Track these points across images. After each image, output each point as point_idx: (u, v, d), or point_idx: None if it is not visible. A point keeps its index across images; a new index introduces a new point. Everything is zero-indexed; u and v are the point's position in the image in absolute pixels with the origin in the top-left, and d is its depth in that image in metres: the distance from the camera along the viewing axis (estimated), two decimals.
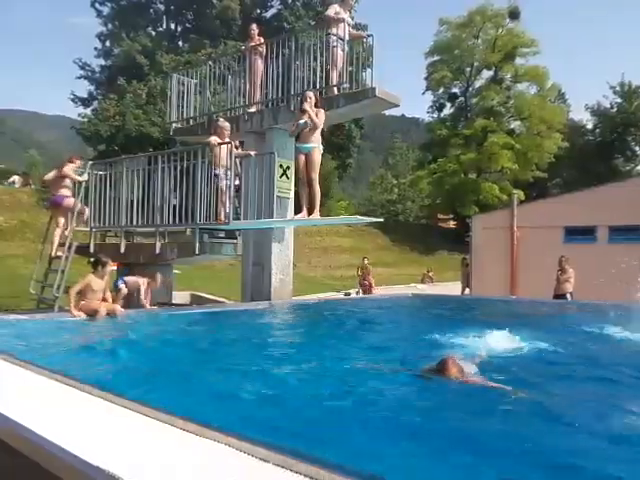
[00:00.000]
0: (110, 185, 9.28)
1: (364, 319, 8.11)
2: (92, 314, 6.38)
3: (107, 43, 40.02)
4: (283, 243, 9.18)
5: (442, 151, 40.51)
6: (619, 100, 43.70)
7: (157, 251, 8.58)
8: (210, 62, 10.60)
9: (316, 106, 7.41)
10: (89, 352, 4.82)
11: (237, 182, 8.31)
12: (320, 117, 7.34)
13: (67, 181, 9.10)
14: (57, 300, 8.01)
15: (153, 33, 40.93)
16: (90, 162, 9.96)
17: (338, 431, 2.77)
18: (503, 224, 15.47)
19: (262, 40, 9.57)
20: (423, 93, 44.71)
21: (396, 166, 54.70)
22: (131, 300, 7.96)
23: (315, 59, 8.72)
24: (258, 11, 41.44)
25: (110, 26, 39.94)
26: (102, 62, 40.04)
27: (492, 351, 5.05)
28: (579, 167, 42.27)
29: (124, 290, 7.86)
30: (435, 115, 45.81)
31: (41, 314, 6.98)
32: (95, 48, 40.18)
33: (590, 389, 4.00)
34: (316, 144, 7.39)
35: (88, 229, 9.48)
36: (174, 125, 10.49)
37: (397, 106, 8.68)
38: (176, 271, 11.17)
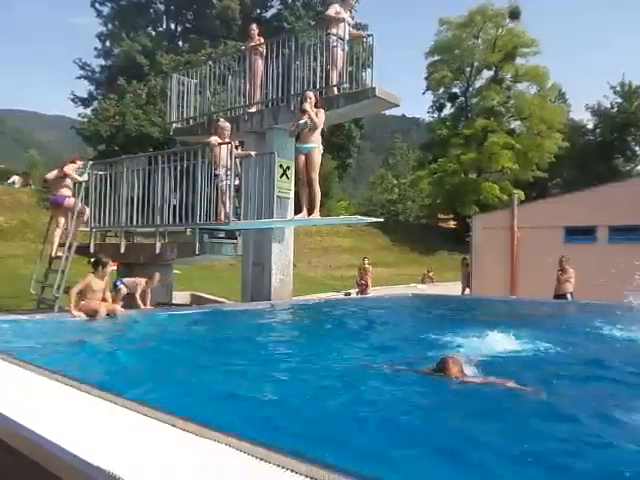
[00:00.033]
0: (110, 185, 9.28)
1: (364, 319, 8.11)
2: (92, 314, 6.39)
3: (107, 43, 40.02)
4: (283, 243, 9.18)
5: (442, 151, 40.50)
6: (619, 100, 43.70)
7: (157, 251, 8.59)
8: (210, 62, 10.60)
9: (316, 106, 7.41)
10: (89, 352, 4.82)
11: (237, 182, 8.31)
12: (320, 117, 7.33)
13: (68, 181, 9.10)
14: (57, 300, 8.01)
15: (153, 33, 40.93)
16: (90, 162, 9.96)
17: (338, 431, 2.77)
18: (503, 224, 15.47)
19: (262, 40, 9.58)
20: (423, 93, 44.75)
21: (396, 166, 54.68)
22: (131, 300, 7.96)
23: (315, 59, 8.72)
24: (258, 11, 41.43)
25: (110, 26, 39.94)
26: (102, 62, 40.10)
27: (492, 351, 5.05)
28: (579, 167, 42.26)
29: (124, 290, 7.87)
30: (435, 115, 45.86)
31: (41, 314, 6.98)
32: (95, 48, 40.24)
33: (591, 389, 4.00)
34: (316, 144, 7.39)
35: (88, 229, 9.49)
36: (174, 125, 10.49)
37: (397, 106, 8.68)
38: (176, 271, 11.18)
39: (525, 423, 3.11)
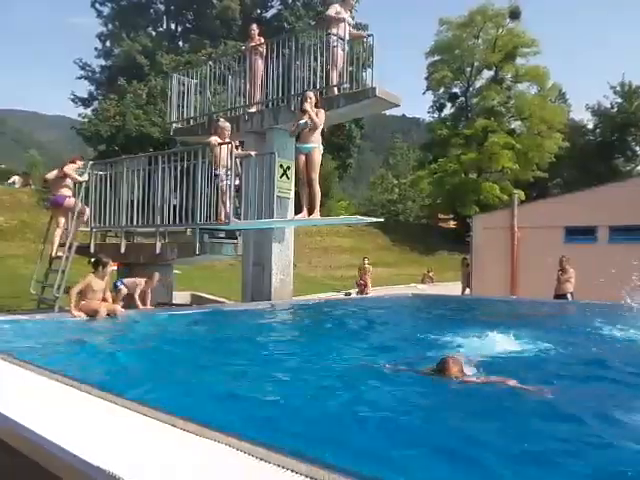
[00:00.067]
0: (110, 185, 9.29)
1: (364, 319, 8.11)
2: (92, 314, 6.39)
3: (107, 43, 40.02)
4: (283, 243, 9.18)
5: (443, 151, 40.49)
6: (619, 100, 43.70)
7: (157, 251, 8.59)
8: (210, 62, 10.60)
9: (316, 106, 7.41)
10: (89, 352, 4.82)
11: (237, 182, 8.31)
12: (320, 117, 7.34)
13: (68, 181, 9.10)
14: (57, 300, 8.01)
15: (153, 33, 40.93)
16: (90, 162, 9.96)
17: (338, 431, 2.77)
18: (503, 224, 15.46)
19: (262, 40, 9.58)
20: (424, 93, 44.75)
21: (397, 166, 54.68)
22: (131, 301, 7.97)
23: (315, 59, 8.73)
24: (258, 11, 41.43)
25: (110, 26, 39.94)
26: (102, 62, 40.10)
27: (492, 351, 5.05)
28: (579, 167, 42.25)
29: (124, 290, 7.87)
30: (436, 115, 45.85)
31: (41, 314, 6.98)
32: (95, 48, 40.24)
33: (591, 389, 4.00)
34: (316, 144, 7.39)
35: (88, 229, 9.49)
36: (174, 125, 10.50)
37: (397, 106, 8.68)
38: (176, 271, 11.18)
39: (525, 423, 3.11)
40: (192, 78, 10.23)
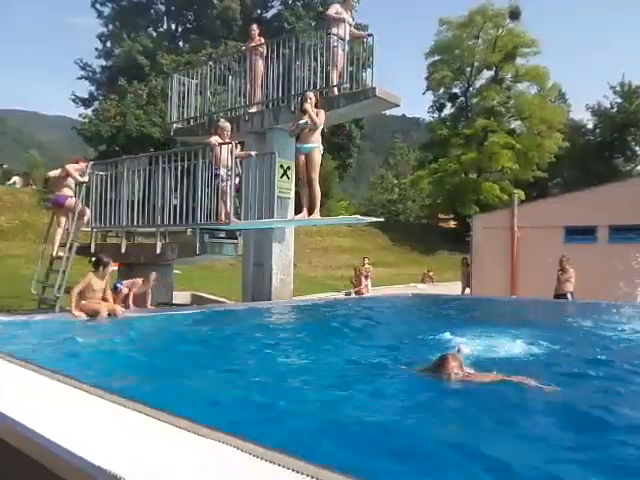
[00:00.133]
0: (111, 185, 9.29)
1: (364, 319, 8.11)
2: (93, 314, 6.40)
3: (108, 44, 40.04)
4: (284, 243, 9.19)
5: (443, 151, 40.48)
6: (619, 100, 43.66)
7: (158, 251, 8.60)
8: (211, 62, 10.62)
9: (316, 106, 7.42)
10: (89, 352, 4.83)
11: (237, 181, 8.32)
12: (320, 117, 7.34)
13: (69, 181, 9.10)
14: (58, 300, 8.02)
15: (154, 33, 40.94)
16: (91, 162, 9.96)
17: (338, 431, 2.78)
18: (503, 224, 15.47)
19: (262, 40, 9.59)
20: (423, 93, 44.72)
21: (396, 166, 54.68)
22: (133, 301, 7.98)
23: (315, 59, 8.74)
24: (259, 11, 41.44)
25: (111, 26, 39.96)
26: (103, 62, 40.14)
27: (492, 351, 5.06)
28: (579, 167, 42.24)
29: (124, 291, 7.88)
30: (436, 115, 45.82)
31: (42, 314, 6.99)
32: (96, 49, 40.27)
33: (591, 387, 4.00)
34: (316, 144, 7.40)
35: (89, 229, 9.50)
36: (175, 125, 10.51)
37: (397, 106, 8.69)
38: (177, 271, 11.19)
39: (525, 421, 3.11)
40: (192, 78, 10.24)
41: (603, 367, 4.47)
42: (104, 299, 6.68)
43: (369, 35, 8.55)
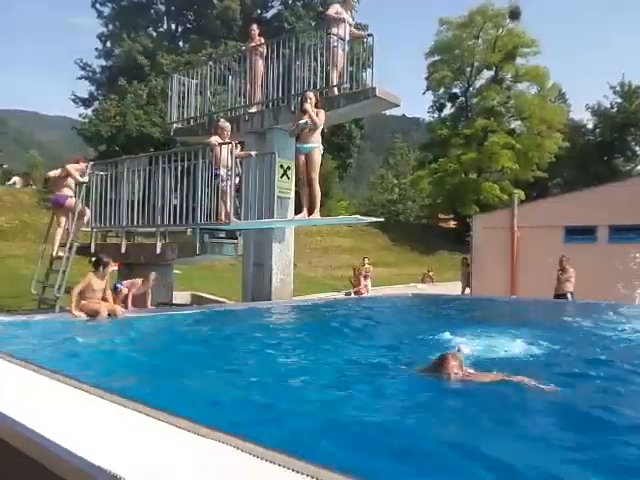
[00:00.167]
0: (111, 185, 9.29)
1: (364, 319, 8.11)
2: (93, 314, 6.40)
3: (108, 44, 40.04)
4: (284, 243, 9.19)
5: (443, 151, 40.48)
6: (619, 100, 43.66)
7: (158, 251, 8.60)
8: (211, 62, 10.62)
9: (316, 106, 7.42)
10: (89, 352, 4.83)
11: (237, 181, 8.32)
12: (320, 117, 7.34)
13: (70, 181, 9.10)
14: (58, 300, 8.02)
15: (154, 33, 40.95)
16: (91, 162, 9.97)
17: (338, 431, 2.78)
18: (503, 224, 15.47)
19: (262, 40, 9.59)
20: (424, 93, 44.72)
21: (397, 166, 54.68)
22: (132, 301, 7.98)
23: (315, 59, 8.74)
24: (259, 11, 41.44)
25: (111, 27, 39.96)
26: (103, 62, 40.15)
27: (492, 350, 5.06)
28: (579, 167, 42.25)
29: (124, 291, 7.88)
30: (436, 115, 45.81)
31: (42, 314, 6.99)
32: (96, 49, 40.28)
33: (591, 387, 4.00)
34: (316, 144, 7.40)
35: (89, 229, 9.50)
36: (175, 125, 10.51)
37: (397, 106, 8.69)
38: (176, 271, 11.19)
39: (526, 420, 3.11)
40: (192, 78, 10.24)
41: (603, 367, 4.47)
42: (104, 299, 6.68)
43: (369, 35, 8.55)
